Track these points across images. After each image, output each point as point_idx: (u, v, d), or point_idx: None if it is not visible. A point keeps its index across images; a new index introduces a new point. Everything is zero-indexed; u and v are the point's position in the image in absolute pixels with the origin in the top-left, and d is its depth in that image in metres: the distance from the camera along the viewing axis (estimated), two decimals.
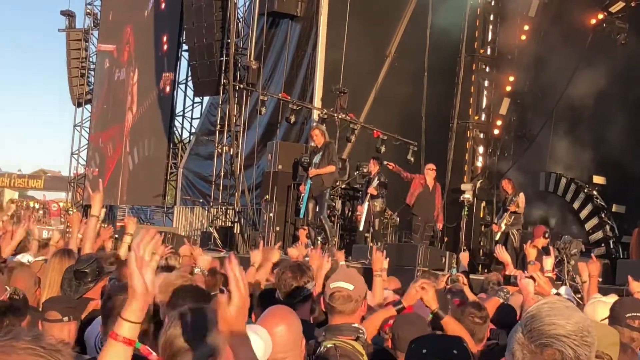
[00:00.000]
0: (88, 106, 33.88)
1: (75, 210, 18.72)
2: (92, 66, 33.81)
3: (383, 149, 19.47)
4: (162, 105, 28.79)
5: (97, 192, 6.98)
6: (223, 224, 22.61)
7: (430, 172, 18.06)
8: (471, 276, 12.36)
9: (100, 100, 33.15)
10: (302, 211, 16.74)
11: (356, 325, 4.53)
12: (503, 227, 16.93)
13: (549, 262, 8.66)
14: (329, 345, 4.37)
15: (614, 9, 19.68)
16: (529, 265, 9.56)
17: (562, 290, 9.24)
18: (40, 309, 5.48)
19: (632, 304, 5.95)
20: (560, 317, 2.19)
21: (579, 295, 10.28)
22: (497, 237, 17.25)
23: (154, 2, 29.61)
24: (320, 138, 16.45)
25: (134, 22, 30.79)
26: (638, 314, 5.72)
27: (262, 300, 5.59)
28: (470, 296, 8.63)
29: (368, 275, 7.38)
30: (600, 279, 8.95)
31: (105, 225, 17.16)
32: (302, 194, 16.67)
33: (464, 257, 12.69)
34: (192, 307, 3.52)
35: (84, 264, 6.29)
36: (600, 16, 19.87)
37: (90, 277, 6.20)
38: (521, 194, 17.00)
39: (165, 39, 28.50)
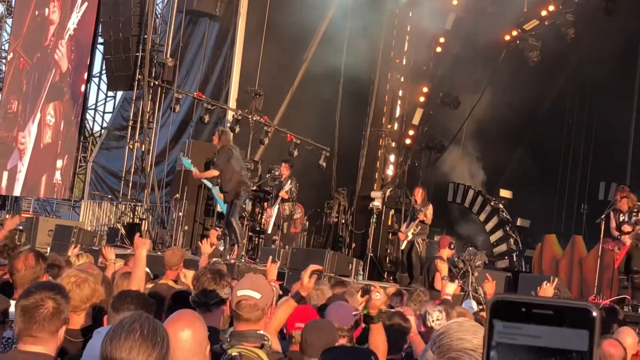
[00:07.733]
0: None
1: None
2: (3, 54, 33.11)
3: (296, 152, 19.50)
4: (74, 99, 28.24)
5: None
6: (131, 220, 22.34)
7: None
8: (379, 284, 12.39)
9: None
10: (223, 208, 16.26)
11: (261, 332, 4.54)
12: (410, 235, 17.08)
13: (451, 287, 8.93)
14: (233, 354, 4.37)
15: (528, 26, 20.06)
16: (442, 280, 9.69)
17: (465, 303, 9.44)
18: None
19: None
20: (467, 333, 2.31)
21: (481, 307, 10.49)
22: (403, 246, 17.42)
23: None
24: (216, 140, 15.89)
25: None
26: None
27: (174, 302, 5.56)
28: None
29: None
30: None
31: (10, 216, 16.78)
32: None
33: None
34: None
35: None
36: (514, 33, 20.22)
37: None
38: (430, 205, 17.17)
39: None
